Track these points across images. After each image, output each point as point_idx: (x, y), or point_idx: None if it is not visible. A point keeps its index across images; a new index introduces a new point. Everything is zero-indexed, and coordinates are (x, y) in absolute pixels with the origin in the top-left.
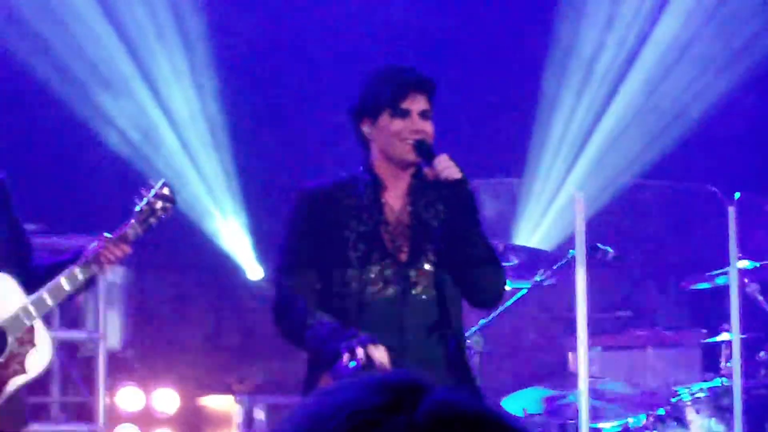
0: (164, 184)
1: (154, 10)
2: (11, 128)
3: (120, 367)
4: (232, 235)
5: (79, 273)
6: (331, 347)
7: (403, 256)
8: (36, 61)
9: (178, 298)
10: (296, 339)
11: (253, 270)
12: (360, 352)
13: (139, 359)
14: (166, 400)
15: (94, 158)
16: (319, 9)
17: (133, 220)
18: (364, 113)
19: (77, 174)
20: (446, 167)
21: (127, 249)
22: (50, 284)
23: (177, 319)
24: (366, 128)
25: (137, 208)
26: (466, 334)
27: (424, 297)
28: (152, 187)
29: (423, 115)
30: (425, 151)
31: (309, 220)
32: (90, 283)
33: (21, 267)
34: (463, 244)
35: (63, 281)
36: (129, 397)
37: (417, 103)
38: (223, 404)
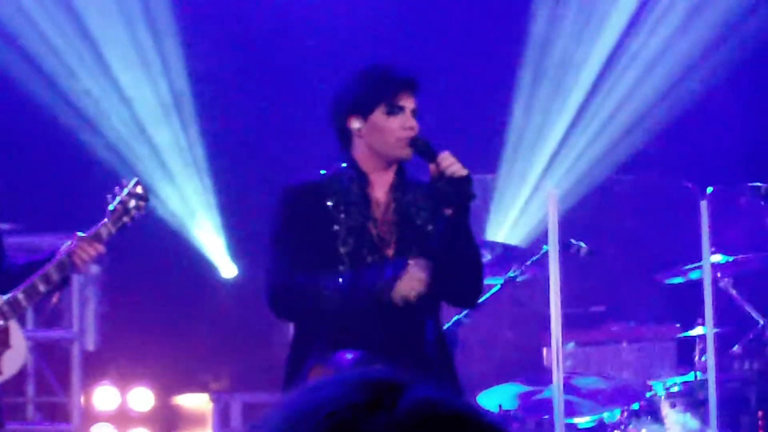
0: (137, 183)
1: (128, 17)
2: None
3: (95, 367)
4: (206, 233)
5: (53, 273)
6: (372, 275)
7: (390, 251)
8: (12, 62)
9: (152, 297)
10: (310, 304)
11: (227, 268)
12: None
13: (113, 358)
14: (142, 398)
15: (68, 157)
16: (292, 18)
17: (106, 219)
18: (354, 109)
19: (51, 173)
20: (451, 164)
21: (101, 248)
22: (25, 284)
23: (151, 317)
24: (355, 125)
25: (110, 207)
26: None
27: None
28: (125, 186)
29: (413, 113)
30: (425, 148)
31: (296, 215)
32: (64, 282)
33: None
34: (456, 241)
35: (37, 281)
36: (104, 396)
37: (410, 101)
38: (198, 402)
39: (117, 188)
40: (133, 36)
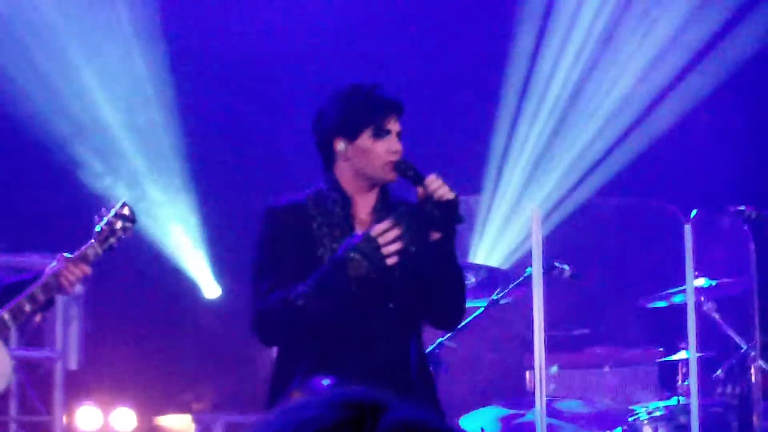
0: (124, 204)
1: (113, 23)
2: None
3: (78, 386)
4: (190, 253)
5: (39, 293)
6: (333, 260)
7: (373, 273)
8: None
9: (135, 317)
10: (285, 319)
11: (211, 289)
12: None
13: (96, 378)
14: (124, 419)
15: (54, 177)
16: (279, 32)
17: (93, 240)
18: (339, 131)
19: (36, 193)
20: (439, 187)
21: (87, 269)
22: (10, 304)
23: (135, 338)
24: (340, 146)
25: (97, 228)
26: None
27: (392, 314)
28: (112, 207)
29: (398, 135)
30: (411, 172)
31: (281, 237)
32: (49, 302)
33: None
34: (442, 264)
35: (23, 302)
36: (87, 416)
37: (396, 124)
38: (180, 423)
39: (104, 209)
40: (117, 59)
